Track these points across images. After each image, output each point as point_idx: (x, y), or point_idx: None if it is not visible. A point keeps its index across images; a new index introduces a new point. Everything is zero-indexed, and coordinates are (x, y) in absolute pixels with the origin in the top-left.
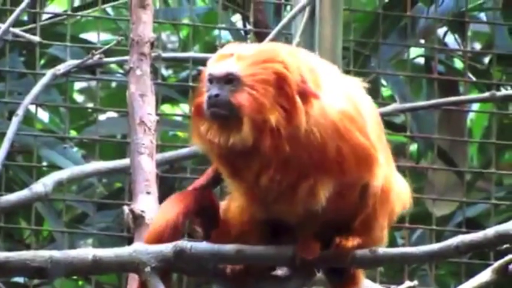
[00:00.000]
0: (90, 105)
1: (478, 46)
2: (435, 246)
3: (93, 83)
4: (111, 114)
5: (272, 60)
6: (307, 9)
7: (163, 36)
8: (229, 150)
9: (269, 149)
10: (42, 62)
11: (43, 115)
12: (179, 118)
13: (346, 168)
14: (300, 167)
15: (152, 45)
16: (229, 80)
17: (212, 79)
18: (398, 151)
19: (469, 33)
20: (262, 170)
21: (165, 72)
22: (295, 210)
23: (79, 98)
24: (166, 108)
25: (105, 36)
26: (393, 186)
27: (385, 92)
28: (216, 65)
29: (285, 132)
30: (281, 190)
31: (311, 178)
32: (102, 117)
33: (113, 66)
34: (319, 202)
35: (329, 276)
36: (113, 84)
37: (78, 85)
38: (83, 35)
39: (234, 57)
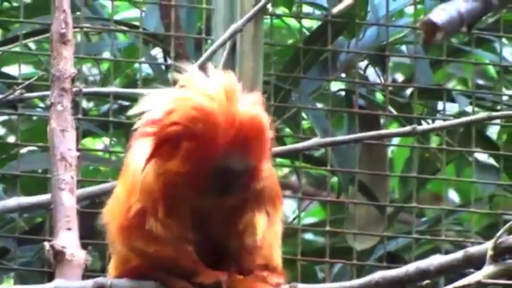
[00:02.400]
0: (12, 137)
1: (400, 77)
2: (355, 282)
3: (15, 116)
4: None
5: None
6: (228, 44)
7: (85, 68)
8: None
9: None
10: None
11: None
12: (100, 153)
13: None
14: None
15: (73, 80)
16: None
17: None
18: (319, 183)
19: (390, 65)
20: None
21: (85, 104)
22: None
23: (0, 130)
24: (88, 141)
25: (26, 69)
26: None
27: (306, 124)
28: None
29: None
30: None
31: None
32: (23, 149)
33: (35, 99)
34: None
35: None
36: (35, 117)
37: None
38: (4, 69)
39: None
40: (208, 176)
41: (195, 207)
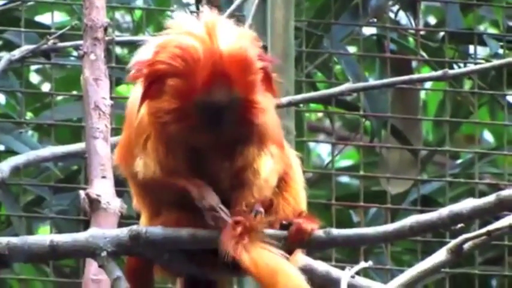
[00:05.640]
0: (47, 85)
1: (432, 20)
2: (390, 226)
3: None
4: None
5: None
6: None
7: (118, 15)
8: None
9: None
10: None
11: None
12: None
13: None
14: None
15: (106, 30)
16: None
17: None
18: (353, 127)
19: (422, 8)
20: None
21: (119, 51)
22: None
23: (35, 78)
24: (122, 88)
25: (59, 17)
26: None
27: (338, 70)
28: None
29: None
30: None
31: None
32: (58, 98)
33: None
34: None
35: None
36: (68, 66)
37: (34, 66)
38: (38, 18)
39: None
40: (195, 111)
41: (193, 147)
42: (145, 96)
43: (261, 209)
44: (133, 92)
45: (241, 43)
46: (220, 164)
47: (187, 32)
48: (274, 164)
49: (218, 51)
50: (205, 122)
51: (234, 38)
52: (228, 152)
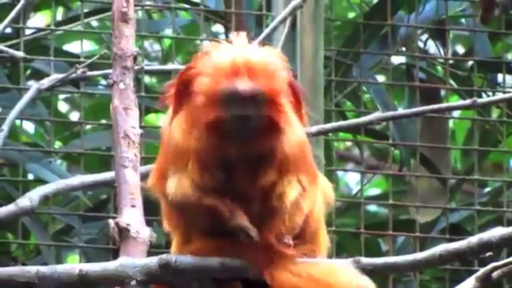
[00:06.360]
0: (75, 114)
1: (460, 48)
2: (419, 255)
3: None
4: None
5: None
6: (289, 20)
7: (146, 44)
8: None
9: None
10: (27, 73)
11: (28, 125)
12: None
13: None
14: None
15: (135, 59)
16: None
17: None
18: (382, 155)
19: (451, 36)
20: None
21: (148, 80)
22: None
23: (64, 106)
24: (151, 117)
25: (88, 45)
26: None
27: (367, 98)
28: None
29: None
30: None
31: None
32: (87, 126)
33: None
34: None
35: None
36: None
37: (62, 94)
38: (66, 46)
39: None
40: (221, 104)
41: (224, 163)
42: (177, 102)
43: (291, 242)
44: (165, 118)
45: (271, 57)
46: (249, 181)
47: (221, 47)
48: (307, 194)
49: (247, 56)
50: (234, 116)
51: (264, 53)
52: (256, 168)
